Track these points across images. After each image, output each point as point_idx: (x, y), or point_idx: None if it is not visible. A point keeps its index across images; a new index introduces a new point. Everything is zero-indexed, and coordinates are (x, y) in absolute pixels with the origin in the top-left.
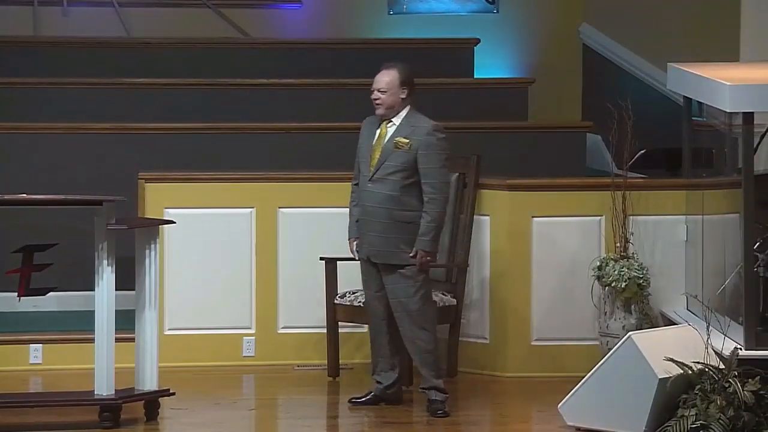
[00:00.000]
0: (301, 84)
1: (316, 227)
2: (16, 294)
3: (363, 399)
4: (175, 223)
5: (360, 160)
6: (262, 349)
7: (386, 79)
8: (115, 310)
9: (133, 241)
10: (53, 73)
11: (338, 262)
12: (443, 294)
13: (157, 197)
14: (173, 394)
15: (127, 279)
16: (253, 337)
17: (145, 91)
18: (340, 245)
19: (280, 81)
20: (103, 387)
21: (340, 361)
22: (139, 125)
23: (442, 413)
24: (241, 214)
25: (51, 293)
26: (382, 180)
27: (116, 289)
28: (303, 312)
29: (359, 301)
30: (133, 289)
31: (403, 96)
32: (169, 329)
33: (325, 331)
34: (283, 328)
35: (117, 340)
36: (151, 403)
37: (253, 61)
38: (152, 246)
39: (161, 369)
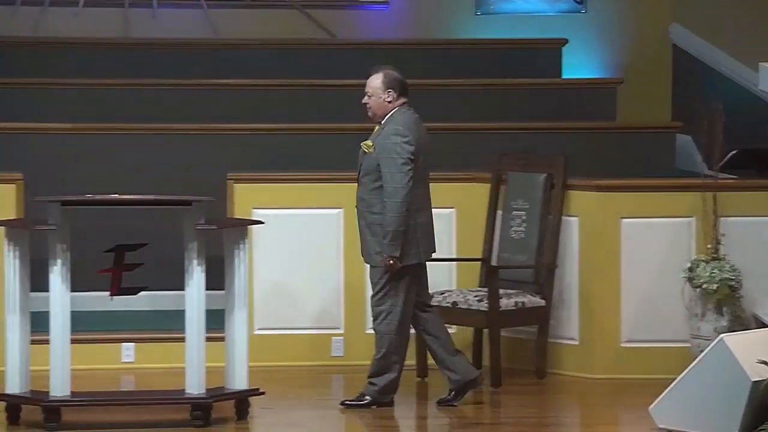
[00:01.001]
0: None
1: None
2: (108, 293)
3: (354, 402)
4: (263, 223)
5: None
6: (351, 349)
7: (371, 83)
8: (205, 310)
9: (222, 241)
10: (142, 74)
11: (426, 263)
12: (531, 295)
13: (246, 197)
14: (263, 393)
15: (217, 279)
16: (342, 337)
17: (233, 91)
18: None
19: (365, 82)
20: (194, 386)
21: (428, 361)
22: (228, 126)
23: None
24: (329, 214)
25: (142, 293)
26: (360, 182)
27: (206, 289)
28: None
29: (447, 302)
30: (223, 289)
31: (389, 99)
32: (259, 329)
33: (413, 331)
34: (371, 328)
35: (207, 339)
36: (241, 402)
37: (339, 62)
38: (241, 246)
39: (251, 368)
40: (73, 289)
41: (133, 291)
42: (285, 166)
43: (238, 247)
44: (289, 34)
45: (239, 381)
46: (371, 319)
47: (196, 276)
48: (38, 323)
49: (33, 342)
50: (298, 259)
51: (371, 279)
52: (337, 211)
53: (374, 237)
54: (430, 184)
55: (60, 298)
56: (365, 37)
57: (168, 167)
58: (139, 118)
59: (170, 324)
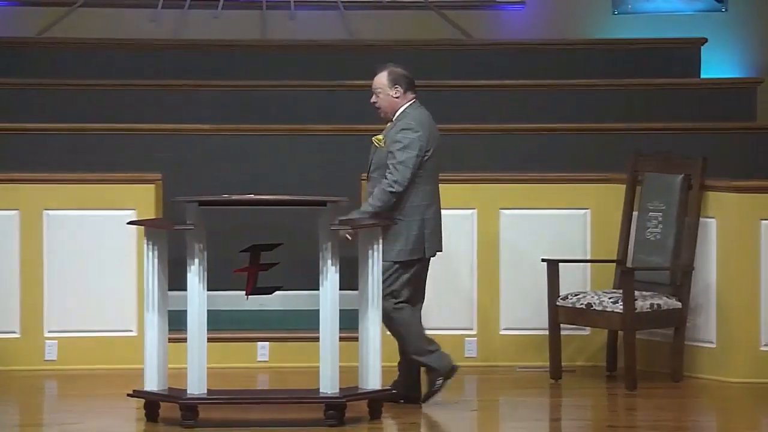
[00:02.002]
0: (525, 85)
1: (537, 228)
2: (244, 292)
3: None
4: (396, 223)
5: None
6: (484, 350)
7: (377, 81)
8: (339, 310)
9: (356, 242)
10: (279, 76)
11: (560, 264)
12: (667, 297)
13: None
14: (396, 393)
15: (350, 279)
16: (475, 338)
17: (368, 92)
18: (562, 247)
19: (503, 82)
20: (328, 385)
21: (562, 363)
22: (361, 126)
23: None
24: (462, 215)
25: (277, 292)
26: (370, 177)
27: (340, 289)
28: (524, 313)
29: (581, 303)
30: (356, 289)
31: (397, 95)
32: None
33: (546, 332)
34: (504, 329)
35: (341, 339)
36: (375, 402)
37: (475, 62)
38: (374, 246)
39: (384, 368)
40: (210, 288)
41: (268, 290)
42: None
43: (371, 248)
44: (425, 35)
45: (372, 381)
46: (501, 319)
47: (330, 276)
48: (176, 322)
49: (171, 340)
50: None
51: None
52: (470, 211)
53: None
54: (568, 185)
55: (197, 297)
56: (501, 37)
57: (303, 168)
58: (275, 119)
59: (304, 323)
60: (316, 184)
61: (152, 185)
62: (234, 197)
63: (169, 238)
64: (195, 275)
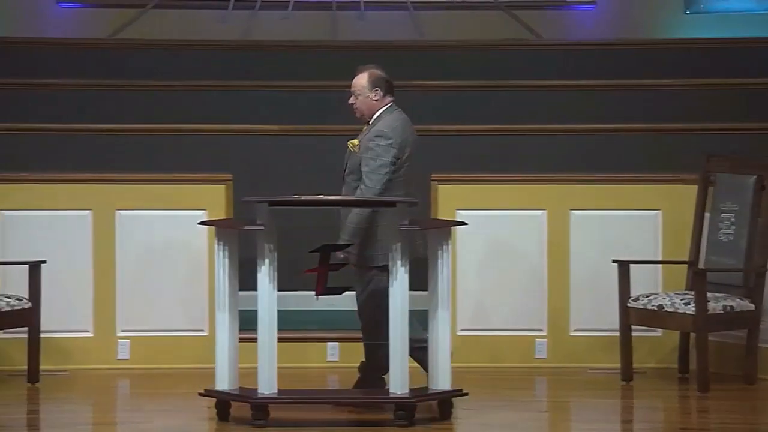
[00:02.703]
0: (595, 86)
1: (607, 229)
2: (314, 293)
3: None
4: (467, 224)
5: None
6: (555, 351)
7: (356, 82)
8: (409, 310)
9: (426, 242)
10: (349, 76)
11: (631, 265)
12: (740, 299)
13: (450, 198)
14: (466, 394)
15: (420, 279)
16: (545, 339)
17: (437, 93)
18: (633, 248)
19: (573, 83)
20: (398, 386)
21: (633, 364)
22: (432, 127)
23: None
24: (532, 216)
25: (347, 292)
26: (344, 181)
27: (410, 289)
28: (595, 315)
29: (653, 305)
30: (426, 290)
31: (376, 98)
32: (462, 330)
33: (617, 334)
34: (575, 330)
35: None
36: (445, 402)
37: (545, 62)
38: (444, 247)
39: (454, 369)
40: (280, 289)
41: (338, 291)
42: (488, 168)
43: (441, 248)
44: (494, 35)
45: (442, 381)
46: (572, 320)
47: (400, 276)
48: (246, 322)
49: (241, 340)
50: (500, 260)
51: (355, 279)
52: (541, 212)
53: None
54: (639, 186)
55: (267, 297)
56: (571, 37)
57: None
58: (345, 119)
59: None
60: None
61: (223, 185)
62: (304, 197)
63: (240, 239)
64: (265, 275)
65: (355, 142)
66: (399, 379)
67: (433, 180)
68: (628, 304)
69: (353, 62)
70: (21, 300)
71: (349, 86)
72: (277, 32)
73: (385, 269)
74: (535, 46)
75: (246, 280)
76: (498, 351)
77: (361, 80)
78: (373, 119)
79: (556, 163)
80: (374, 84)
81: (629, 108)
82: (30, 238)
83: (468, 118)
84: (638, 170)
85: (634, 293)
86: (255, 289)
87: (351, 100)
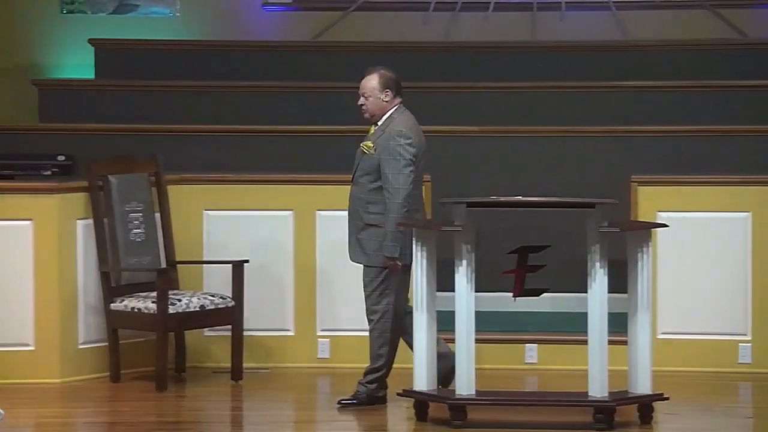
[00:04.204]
0: None
1: None
2: (511, 294)
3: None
4: (668, 226)
5: None
6: (760, 356)
7: (367, 84)
8: (608, 313)
9: (625, 244)
10: (549, 77)
11: None
12: None
13: (650, 200)
14: (667, 398)
15: (619, 282)
16: (750, 344)
17: (638, 93)
18: None
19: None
20: (597, 389)
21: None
22: (631, 128)
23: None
24: (736, 218)
25: (544, 294)
26: (356, 183)
27: (608, 292)
28: None
29: None
30: (626, 292)
31: (386, 99)
32: (662, 333)
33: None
34: None
35: (609, 342)
36: (645, 406)
37: (750, 61)
38: (644, 249)
39: (654, 373)
40: (478, 290)
41: (536, 292)
42: (689, 169)
43: (641, 251)
44: (698, 34)
45: (642, 385)
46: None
47: (599, 279)
48: (444, 322)
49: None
50: (702, 263)
51: (365, 278)
52: (744, 215)
53: (373, 236)
54: (727, 187)
55: (465, 298)
56: None
57: (570, 169)
58: (544, 119)
59: (572, 326)
60: (584, 185)
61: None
62: (502, 199)
63: (437, 239)
64: (463, 276)
65: (370, 144)
66: (598, 382)
67: (633, 181)
68: None
69: (552, 63)
70: (225, 299)
71: (551, 86)
72: (477, 33)
73: (407, 267)
74: (740, 45)
75: (444, 280)
76: (700, 355)
77: (372, 82)
78: (383, 120)
79: (760, 165)
80: (385, 85)
81: None
82: (233, 237)
83: (669, 119)
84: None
85: None
86: (453, 290)
87: (360, 102)
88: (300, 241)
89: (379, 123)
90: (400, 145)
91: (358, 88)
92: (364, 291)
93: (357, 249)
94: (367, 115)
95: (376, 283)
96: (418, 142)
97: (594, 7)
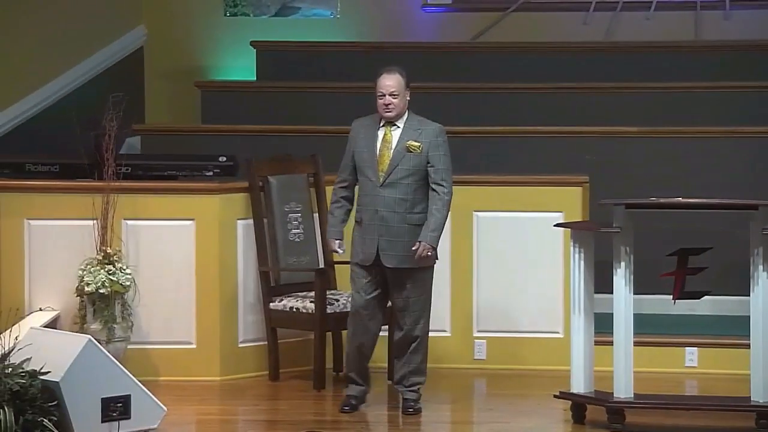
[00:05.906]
0: None
1: None
2: (671, 297)
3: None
4: None
5: (363, 165)
6: None
7: (397, 83)
8: None
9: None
10: (711, 77)
11: None
12: None
13: None
14: None
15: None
16: None
17: None
18: None
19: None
20: (760, 393)
21: None
22: None
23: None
24: None
25: (705, 297)
26: (394, 184)
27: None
28: None
29: None
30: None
31: (408, 98)
32: None
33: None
34: None
35: None
36: None
37: None
38: None
39: None
40: (636, 292)
41: (697, 295)
42: None
43: None
44: None
45: None
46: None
47: (762, 282)
48: (602, 324)
49: (597, 343)
50: None
51: (410, 283)
52: None
53: (414, 237)
54: None
55: (623, 300)
56: None
57: (733, 170)
58: (703, 120)
59: (734, 330)
60: (748, 186)
61: (579, 188)
62: (662, 200)
63: (595, 241)
64: (621, 278)
65: (416, 144)
66: (761, 387)
67: None
68: None
69: (716, 63)
70: None
71: (714, 87)
72: (638, 33)
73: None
74: None
75: (601, 282)
76: None
77: (401, 81)
78: (405, 119)
79: None
80: (407, 85)
81: None
82: None
83: None
84: None
85: None
86: (611, 291)
87: (390, 100)
88: (457, 243)
89: (400, 123)
90: (445, 141)
91: (513, 89)
92: (410, 297)
93: (403, 254)
94: (392, 114)
95: (426, 287)
96: None
97: (761, 6)
